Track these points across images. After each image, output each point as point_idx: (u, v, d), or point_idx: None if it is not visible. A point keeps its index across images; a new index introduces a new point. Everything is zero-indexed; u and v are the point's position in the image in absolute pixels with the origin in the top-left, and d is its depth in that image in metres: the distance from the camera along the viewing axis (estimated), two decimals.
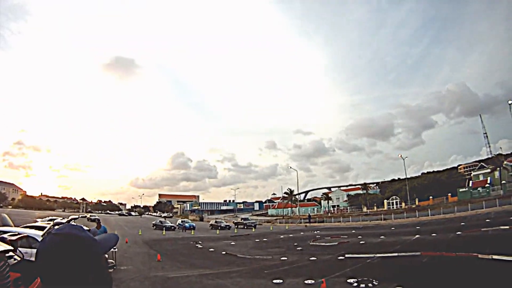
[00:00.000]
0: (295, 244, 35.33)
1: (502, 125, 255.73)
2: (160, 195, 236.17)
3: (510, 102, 68.87)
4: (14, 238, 11.84)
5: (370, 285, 14.43)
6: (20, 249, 10.33)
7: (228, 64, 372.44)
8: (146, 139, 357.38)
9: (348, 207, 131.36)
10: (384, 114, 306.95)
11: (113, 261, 19.73)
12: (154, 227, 63.77)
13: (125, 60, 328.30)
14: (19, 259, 9.54)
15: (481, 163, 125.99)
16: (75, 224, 1.92)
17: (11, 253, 8.38)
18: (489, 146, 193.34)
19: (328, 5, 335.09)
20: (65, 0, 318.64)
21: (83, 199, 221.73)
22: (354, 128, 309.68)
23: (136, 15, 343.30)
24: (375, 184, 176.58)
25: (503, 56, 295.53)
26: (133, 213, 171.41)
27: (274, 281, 16.01)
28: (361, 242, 33.19)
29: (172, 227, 62.09)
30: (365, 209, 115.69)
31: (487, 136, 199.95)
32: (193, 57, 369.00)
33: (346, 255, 23.33)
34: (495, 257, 17.40)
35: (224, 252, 28.72)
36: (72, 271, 1.76)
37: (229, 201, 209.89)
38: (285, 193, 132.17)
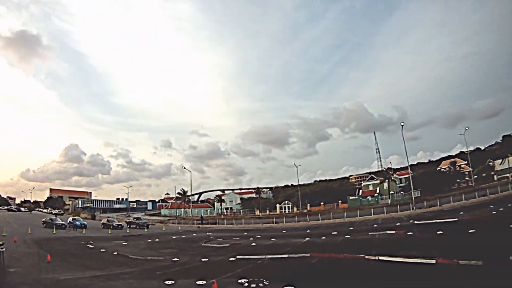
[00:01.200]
0: (187, 245, 35.63)
1: (393, 143, 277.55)
2: (51, 190, 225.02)
3: (402, 123, 73.77)
4: None
5: (260, 285, 14.92)
6: None
7: (131, 56, 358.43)
8: (38, 126, 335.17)
9: (241, 210, 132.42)
10: (281, 124, 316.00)
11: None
12: (44, 224, 60.51)
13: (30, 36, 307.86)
14: None
15: (372, 175, 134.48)
16: None
17: None
18: (380, 160, 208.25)
19: (247, 13, 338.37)
20: None
21: None
22: (251, 134, 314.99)
23: None
24: (268, 189, 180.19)
25: (403, 83, 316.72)
26: (22, 209, 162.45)
27: (166, 282, 16.13)
28: (252, 244, 34.01)
29: (63, 225, 59.54)
30: (257, 212, 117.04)
31: (379, 151, 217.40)
32: (97, 45, 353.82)
33: (238, 256, 23.90)
34: (381, 258, 18.73)
35: (116, 253, 28.42)
36: None
37: (122, 199, 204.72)
38: (179, 193, 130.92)
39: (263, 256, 23.23)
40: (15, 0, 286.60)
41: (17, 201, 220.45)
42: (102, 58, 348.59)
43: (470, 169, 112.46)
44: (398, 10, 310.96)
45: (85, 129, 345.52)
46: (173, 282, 16.21)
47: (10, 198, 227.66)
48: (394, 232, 32.77)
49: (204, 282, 15.84)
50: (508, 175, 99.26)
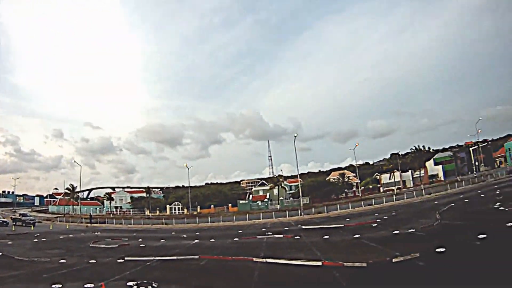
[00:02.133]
0: (75, 245, 34.79)
1: (286, 152, 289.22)
2: None
3: (295, 134, 76.46)
4: None
5: (149, 287, 14.89)
6: None
7: (33, 32, 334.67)
8: None
9: (131, 210, 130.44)
10: (177, 124, 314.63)
11: None
12: None
13: None
14: None
15: (263, 181, 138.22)
16: None
17: None
18: (272, 167, 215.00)
19: (161, 8, 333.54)
20: None
21: None
22: (145, 131, 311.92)
23: None
24: (159, 189, 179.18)
25: (301, 98, 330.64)
26: None
27: (53, 286, 15.54)
28: (141, 245, 33.80)
29: None
30: (147, 213, 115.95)
31: (271, 158, 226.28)
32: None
33: (126, 258, 23.59)
34: (268, 260, 19.25)
35: (0, 254, 27.18)
36: None
37: (8, 192, 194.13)
38: (67, 189, 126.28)
39: (152, 258, 23.05)
40: None
41: None
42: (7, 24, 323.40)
43: (358, 181, 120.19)
44: (308, 30, 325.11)
45: None
46: (60, 285, 15.64)
47: None
48: (282, 236, 33.60)
49: (92, 285, 15.43)
50: (393, 188, 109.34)
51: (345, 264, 16.30)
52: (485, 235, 18.04)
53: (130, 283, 15.53)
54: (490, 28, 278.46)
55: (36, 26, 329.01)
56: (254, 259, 19.83)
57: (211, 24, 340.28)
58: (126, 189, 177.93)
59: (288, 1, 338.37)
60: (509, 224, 20.34)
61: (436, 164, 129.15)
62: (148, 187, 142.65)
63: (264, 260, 19.48)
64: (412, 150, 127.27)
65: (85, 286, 15.39)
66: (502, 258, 14.17)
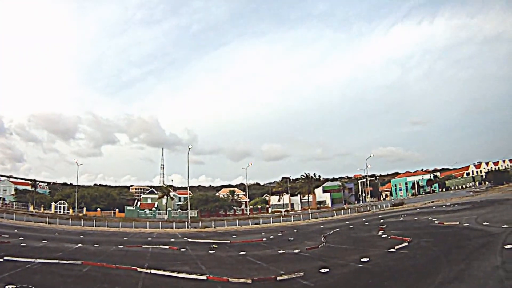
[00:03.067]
0: None
1: (179, 162, 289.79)
2: None
3: (190, 146, 77.82)
4: None
5: None
6: None
7: None
8: None
9: (15, 203, 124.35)
10: (74, 116, 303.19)
11: None
12: None
13: None
14: None
15: (152, 189, 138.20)
16: None
17: None
18: (163, 176, 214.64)
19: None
20: None
21: None
22: (40, 117, 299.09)
23: None
24: (46, 184, 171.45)
25: (202, 112, 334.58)
26: None
27: None
28: (22, 244, 32.43)
29: None
30: (32, 208, 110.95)
31: (163, 167, 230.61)
32: None
33: (6, 258, 22.43)
34: (153, 271, 19.13)
35: None
36: None
37: None
38: None
39: (33, 260, 22.01)
40: None
41: None
42: None
43: (247, 199, 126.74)
44: (225, 45, 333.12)
45: None
46: None
47: None
48: (168, 247, 33.76)
49: None
50: (281, 209, 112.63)
51: (230, 279, 16.63)
52: (367, 259, 19.10)
53: (9, 287, 14.86)
54: (397, 78, 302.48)
55: None
56: (138, 269, 19.68)
57: (133, 19, 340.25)
58: (11, 179, 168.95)
59: (213, 13, 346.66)
60: (390, 250, 21.63)
61: (324, 191, 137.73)
62: (35, 180, 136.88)
63: (148, 270, 19.37)
64: (303, 176, 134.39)
65: None
66: (383, 279, 15.12)
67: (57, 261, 22.36)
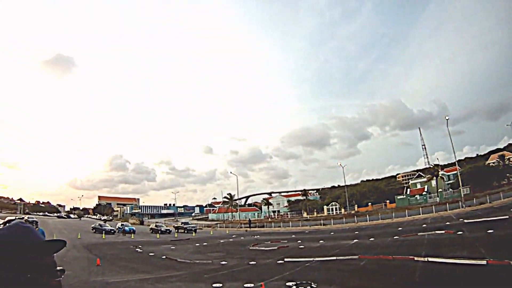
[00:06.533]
0: (235, 248, 35.68)
1: (436, 138, 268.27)
2: (99, 197, 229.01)
3: (447, 117, 71.16)
4: None
5: (308, 287, 14.72)
6: None
7: (165, 65, 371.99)
8: (84, 139, 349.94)
9: (289, 213, 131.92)
10: (320, 124, 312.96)
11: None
12: (94, 230, 61.71)
13: (65, 58, 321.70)
14: None
15: (419, 173, 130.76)
16: (24, 222, 2.06)
17: None
18: (427, 157, 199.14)
19: (280, 15, 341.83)
20: None
21: (20, 199, 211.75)
22: (290, 136, 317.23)
23: (74, 13, 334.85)
24: (315, 191, 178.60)
25: (441, 76, 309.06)
26: (72, 216, 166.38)
27: (214, 285, 16.06)
28: (300, 246, 33.60)
29: (112, 231, 60.37)
30: (305, 215, 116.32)
31: (425, 148, 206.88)
32: (132, 58, 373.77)
33: (286, 259, 23.60)
34: (430, 259, 18.12)
35: (164, 257, 28.59)
36: (21, 269, 1.83)
37: (170, 204, 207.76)
38: (225, 197, 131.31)
39: (311, 259, 22.84)
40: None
41: (67, 208, 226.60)
42: (137, 65, 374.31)
43: None
44: (432, 1, 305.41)
45: (128, 139, 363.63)
46: (221, 285, 16.11)
47: (59, 205, 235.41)
48: (443, 232, 31.89)
49: (252, 285, 15.70)
50: None
51: (511, 262, 14.84)
52: None
53: (289, 283, 15.49)
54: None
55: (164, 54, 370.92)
56: (416, 258, 18.85)
57: (332, 20, 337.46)
58: (283, 194, 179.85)
59: None
60: None
61: None
62: (304, 190, 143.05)
63: (425, 259, 18.42)
64: None
65: (245, 286, 15.67)
66: None
67: (334, 257, 22.82)
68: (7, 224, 2.10)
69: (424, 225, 42.01)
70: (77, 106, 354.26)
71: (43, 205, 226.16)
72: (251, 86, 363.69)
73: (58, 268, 2.07)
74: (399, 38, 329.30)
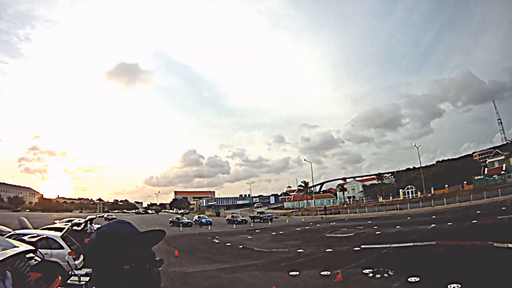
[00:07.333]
0: (311, 236, 35.53)
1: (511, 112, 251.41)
2: (176, 192, 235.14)
3: None
4: (34, 239, 12.04)
5: (385, 275, 14.42)
6: (40, 250, 10.49)
7: (233, 60, 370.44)
8: (157, 138, 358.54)
9: (364, 198, 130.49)
10: (390, 104, 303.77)
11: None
12: (171, 224, 63.72)
13: (129, 65, 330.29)
14: (39, 259, 9.76)
15: (496, 150, 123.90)
16: (121, 219, 2.23)
17: (31, 254, 8.57)
18: (504, 133, 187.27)
19: None
20: (66, 6, 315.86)
21: (99, 199, 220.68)
22: (361, 119, 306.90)
23: (136, 17, 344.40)
24: (390, 174, 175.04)
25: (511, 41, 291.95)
26: (149, 211, 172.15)
27: (291, 273, 16.09)
28: (377, 232, 33.15)
29: (189, 223, 62.05)
30: (380, 199, 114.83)
31: (501, 123, 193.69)
32: (201, 55, 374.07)
33: (362, 246, 23.28)
34: (510, 245, 17.11)
35: (241, 246, 28.94)
36: (124, 262, 2.08)
37: (245, 195, 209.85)
38: (300, 185, 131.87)
39: (388, 245, 22.49)
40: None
41: (144, 204, 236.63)
42: (206, 66, 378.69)
43: None
44: None
45: (200, 134, 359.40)
46: (297, 273, 16.12)
47: (137, 202, 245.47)
48: None
49: (329, 272, 15.56)
50: None
51: None
52: None
53: (366, 271, 15.31)
54: None
55: (231, 53, 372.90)
56: (495, 244, 18.02)
57: None
58: (357, 178, 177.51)
59: None
60: None
61: None
62: (379, 174, 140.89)
63: (505, 245, 17.42)
64: None
65: (322, 273, 15.57)
66: None
67: (411, 243, 22.32)
68: (107, 222, 2.49)
69: (503, 208, 40.46)
70: (148, 107, 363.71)
71: (121, 203, 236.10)
72: (318, 72, 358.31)
73: (157, 258, 2.39)
74: (462, 2, 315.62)
